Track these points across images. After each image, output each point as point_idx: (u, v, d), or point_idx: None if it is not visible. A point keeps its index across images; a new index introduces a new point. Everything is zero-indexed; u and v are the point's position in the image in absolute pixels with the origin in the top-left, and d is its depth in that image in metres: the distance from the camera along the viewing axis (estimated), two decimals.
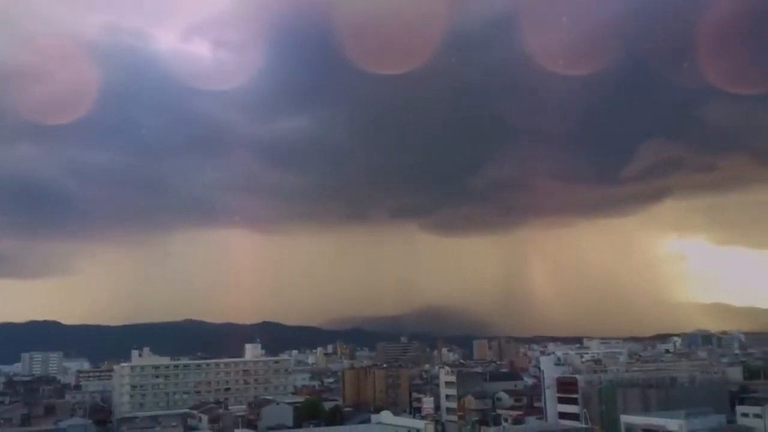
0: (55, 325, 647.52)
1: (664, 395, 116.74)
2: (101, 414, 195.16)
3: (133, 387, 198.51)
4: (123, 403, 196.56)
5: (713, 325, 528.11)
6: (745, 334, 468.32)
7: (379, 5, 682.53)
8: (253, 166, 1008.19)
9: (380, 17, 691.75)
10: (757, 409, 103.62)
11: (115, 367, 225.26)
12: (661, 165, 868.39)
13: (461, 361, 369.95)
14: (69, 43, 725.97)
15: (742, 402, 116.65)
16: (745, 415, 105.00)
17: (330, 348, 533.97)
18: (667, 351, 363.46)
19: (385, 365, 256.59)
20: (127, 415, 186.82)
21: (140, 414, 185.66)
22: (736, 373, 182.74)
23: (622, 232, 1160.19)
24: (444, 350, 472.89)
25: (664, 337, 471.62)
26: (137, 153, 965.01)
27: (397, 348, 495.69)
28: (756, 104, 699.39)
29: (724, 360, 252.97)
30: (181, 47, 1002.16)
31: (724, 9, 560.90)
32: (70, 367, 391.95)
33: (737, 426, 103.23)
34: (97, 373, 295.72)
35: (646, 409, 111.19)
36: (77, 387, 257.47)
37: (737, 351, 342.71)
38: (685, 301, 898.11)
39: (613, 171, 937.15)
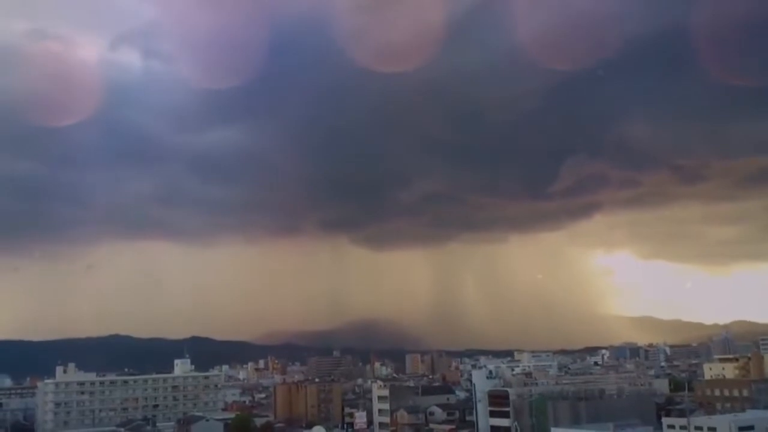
0: None
1: (593, 407, 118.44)
2: None
3: (57, 404, 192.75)
4: (46, 421, 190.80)
5: (640, 338, 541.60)
6: (671, 346, 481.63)
7: (310, 16, 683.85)
8: (181, 178, 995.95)
9: (311, 29, 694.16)
10: (682, 421, 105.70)
11: (39, 383, 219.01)
12: (589, 180, 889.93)
13: (394, 375, 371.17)
14: None
15: (668, 414, 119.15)
16: (671, 426, 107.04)
17: (261, 363, 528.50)
18: (596, 363, 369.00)
19: (317, 380, 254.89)
20: None
21: None
22: (662, 385, 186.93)
23: (552, 246, 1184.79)
24: (376, 364, 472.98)
25: (592, 350, 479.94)
26: (60, 163, 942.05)
27: (330, 362, 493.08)
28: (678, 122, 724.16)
29: (651, 372, 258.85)
30: (110, 56, 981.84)
31: (654, 25, 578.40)
32: None
33: None
34: (19, 390, 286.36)
35: (575, 422, 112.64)
36: None
37: (663, 363, 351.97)
38: (613, 314, 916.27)
39: (543, 186, 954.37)
